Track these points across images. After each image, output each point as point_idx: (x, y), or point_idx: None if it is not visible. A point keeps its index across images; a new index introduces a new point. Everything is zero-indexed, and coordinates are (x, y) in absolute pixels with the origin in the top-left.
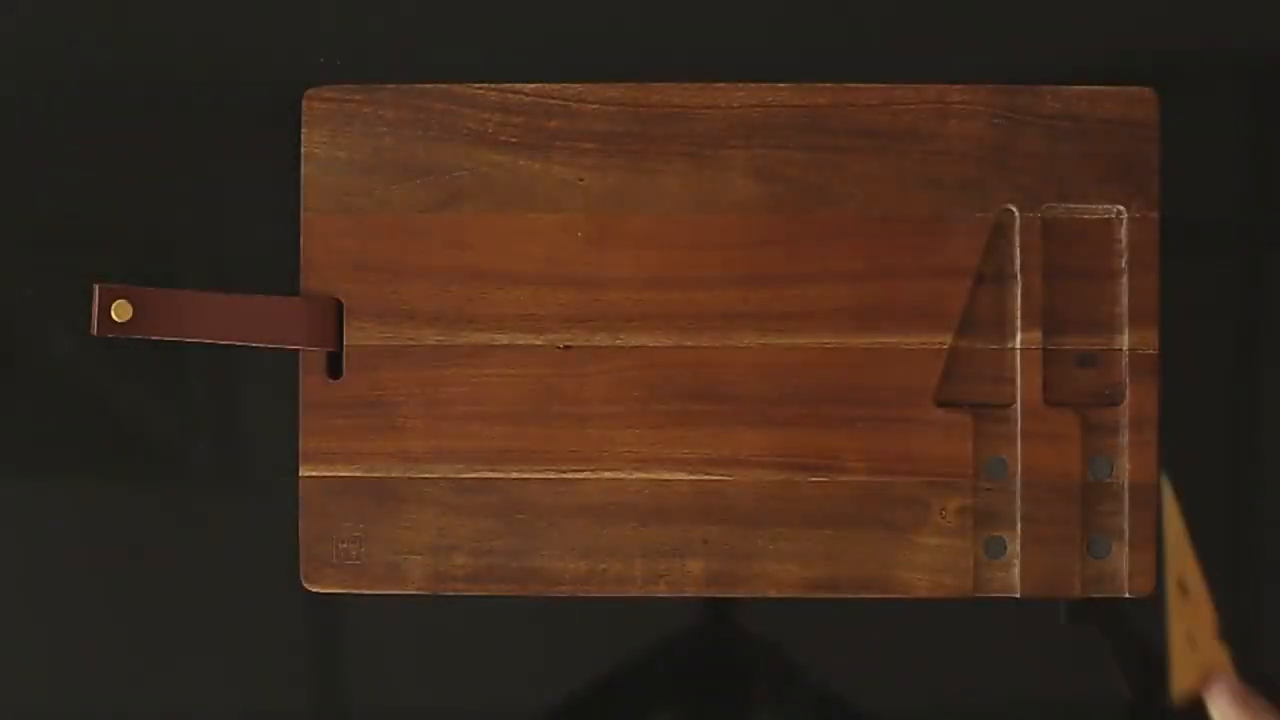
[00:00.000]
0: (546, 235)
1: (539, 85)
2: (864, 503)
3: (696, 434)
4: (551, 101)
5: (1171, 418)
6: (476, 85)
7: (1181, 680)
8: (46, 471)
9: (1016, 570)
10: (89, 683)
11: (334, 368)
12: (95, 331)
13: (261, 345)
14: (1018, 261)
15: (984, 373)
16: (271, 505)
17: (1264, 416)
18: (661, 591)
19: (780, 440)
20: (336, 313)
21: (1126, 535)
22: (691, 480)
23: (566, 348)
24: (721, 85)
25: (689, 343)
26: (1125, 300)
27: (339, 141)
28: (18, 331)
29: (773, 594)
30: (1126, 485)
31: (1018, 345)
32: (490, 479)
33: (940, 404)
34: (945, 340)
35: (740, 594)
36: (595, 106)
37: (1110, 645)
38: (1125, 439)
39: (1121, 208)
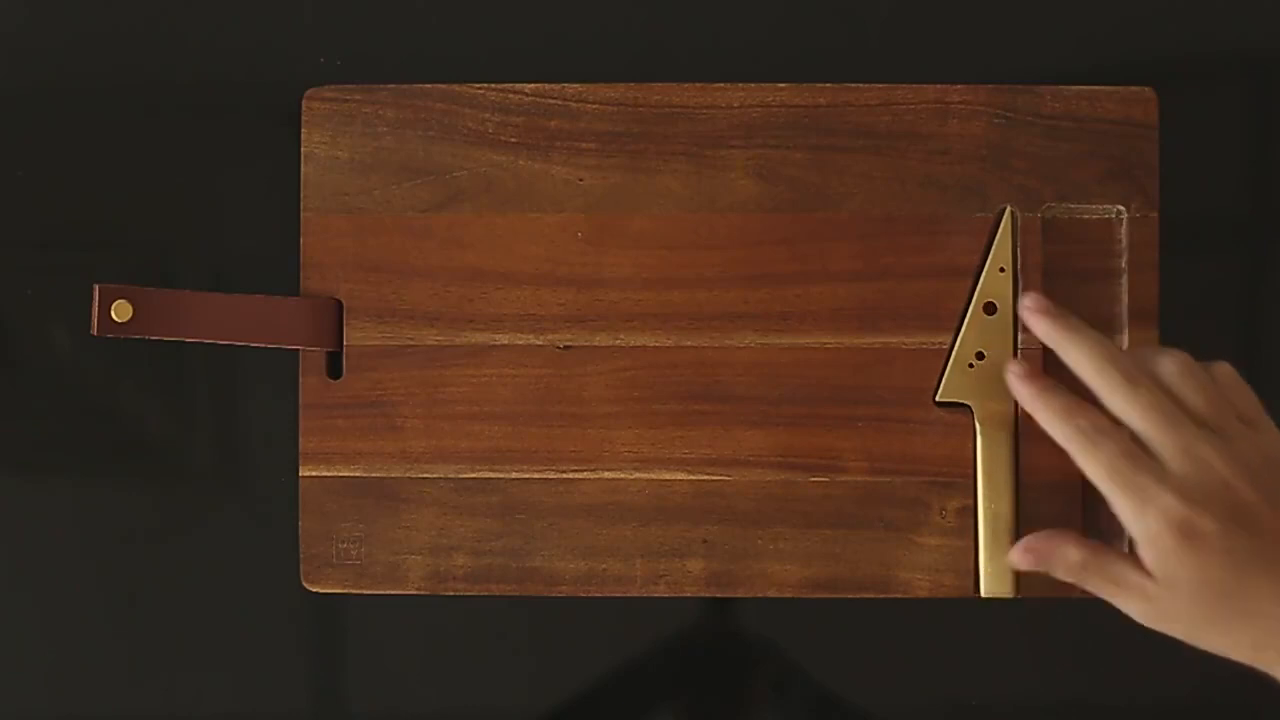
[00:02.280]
0: (546, 235)
1: (539, 85)
2: (864, 503)
3: (696, 434)
4: (551, 101)
5: None
6: (476, 85)
7: (950, 390)
8: (46, 471)
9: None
10: (89, 683)
11: (334, 368)
12: (95, 331)
13: (261, 345)
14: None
15: None
16: (271, 505)
17: None
18: (661, 592)
19: (780, 440)
20: (336, 313)
21: (1127, 535)
22: (691, 480)
23: (566, 348)
24: (721, 85)
25: (689, 343)
26: (1125, 300)
27: (339, 141)
28: (18, 331)
29: (773, 594)
30: None
31: (1018, 345)
32: (490, 479)
33: (940, 404)
34: (945, 340)
35: (740, 594)
36: (595, 106)
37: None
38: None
39: (1121, 208)
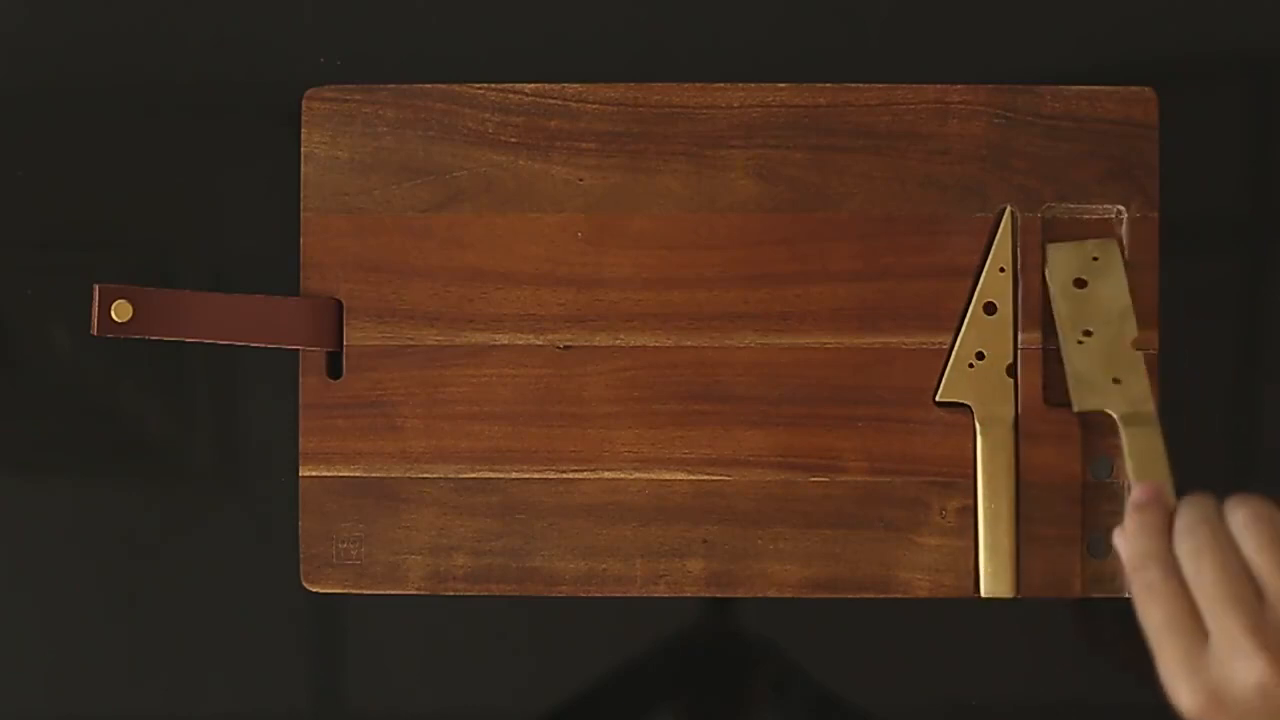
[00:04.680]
0: (546, 235)
1: (539, 85)
2: (864, 503)
3: (696, 434)
4: (551, 101)
5: (1171, 418)
6: (476, 85)
7: (949, 391)
8: (46, 471)
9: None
10: (89, 683)
11: (334, 368)
12: (95, 331)
13: (261, 345)
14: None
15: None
16: (271, 505)
17: (1264, 416)
18: (661, 592)
19: (780, 440)
20: (336, 313)
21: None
22: (691, 480)
23: (566, 348)
24: (721, 85)
25: (689, 343)
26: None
27: (339, 141)
28: (18, 331)
29: (773, 594)
30: (1126, 485)
31: (1018, 345)
32: (490, 479)
33: (940, 404)
34: (945, 340)
35: (740, 594)
36: (595, 106)
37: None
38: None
39: (1121, 208)
